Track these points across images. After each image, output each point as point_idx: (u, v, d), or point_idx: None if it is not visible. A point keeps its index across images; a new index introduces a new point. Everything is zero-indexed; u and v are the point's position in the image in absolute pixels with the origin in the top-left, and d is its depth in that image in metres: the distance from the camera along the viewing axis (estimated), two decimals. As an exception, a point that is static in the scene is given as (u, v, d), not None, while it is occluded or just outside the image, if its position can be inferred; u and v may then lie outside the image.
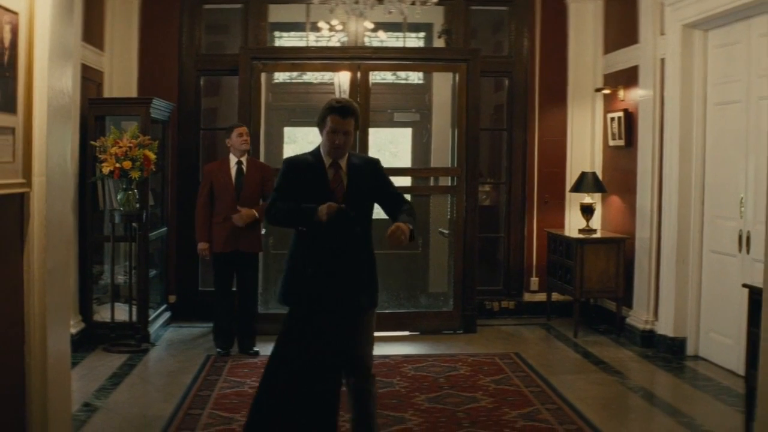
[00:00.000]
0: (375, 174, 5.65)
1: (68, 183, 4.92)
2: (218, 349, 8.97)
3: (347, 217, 5.34)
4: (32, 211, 4.44)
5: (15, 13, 4.00)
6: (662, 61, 9.21)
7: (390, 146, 15.25)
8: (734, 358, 7.95)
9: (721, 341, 8.35)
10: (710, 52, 8.72)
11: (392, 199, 5.66)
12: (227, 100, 11.41)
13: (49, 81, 4.45)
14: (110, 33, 10.23)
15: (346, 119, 5.38)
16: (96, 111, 9.32)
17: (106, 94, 10.07)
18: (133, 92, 10.31)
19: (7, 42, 3.97)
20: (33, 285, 4.49)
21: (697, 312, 8.87)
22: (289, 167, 5.55)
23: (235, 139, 8.93)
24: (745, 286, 6.35)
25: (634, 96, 9.89)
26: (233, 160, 8.93)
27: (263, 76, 10.39)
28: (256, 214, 8.74)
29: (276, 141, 13.62)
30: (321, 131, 5.48)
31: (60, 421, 4.91)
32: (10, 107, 4.08)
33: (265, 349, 8.79)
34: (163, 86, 10.42)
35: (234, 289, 9.09)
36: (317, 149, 5.56)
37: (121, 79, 10.33)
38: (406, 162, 14.51)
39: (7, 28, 3.93)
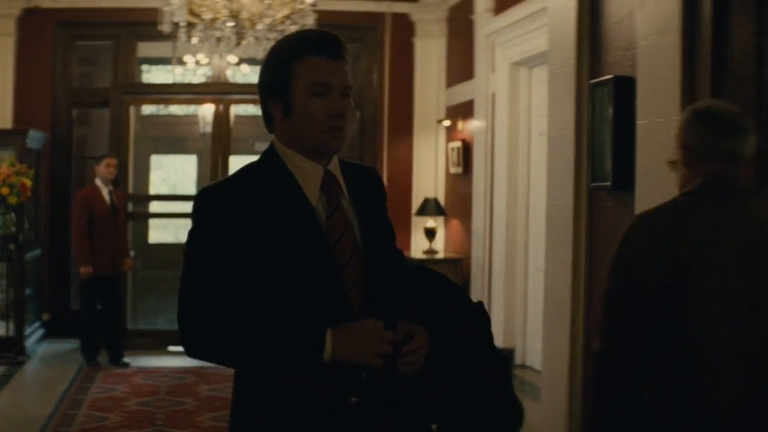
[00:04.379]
0: (380, 200, 2.79)
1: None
2: (91, 362, 9.36)
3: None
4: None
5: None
6: (493, 95, 9.79)
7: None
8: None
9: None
10: (534, 87, 9.32)
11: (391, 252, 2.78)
12: (97, 129, 11.80)
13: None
14: (-14, 66, 10.67)
15: (339, 62, 2.54)
16: (-26, 141, 9.82)
17: (-19, 125, 10.51)
18: (8, 123, 10.67)
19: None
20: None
21: (523, 324, 9.51)
22: (216, 209, 2.50)
23: (104, 168, 9.46)
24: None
25: (470, 127, 10.49)
26: (104, 189, 9.46)
27: (132, 109, 11.03)
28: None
29: (143, 168, 14.19)
30: (277, 104, 2.61)
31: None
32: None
33: (135, 361, 9.53)
34: (36, 117, 10.71)
35: (99, 307, 9.60)
36: (270, 149, 2.66)
37: (-4, 110, 10.76)
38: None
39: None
